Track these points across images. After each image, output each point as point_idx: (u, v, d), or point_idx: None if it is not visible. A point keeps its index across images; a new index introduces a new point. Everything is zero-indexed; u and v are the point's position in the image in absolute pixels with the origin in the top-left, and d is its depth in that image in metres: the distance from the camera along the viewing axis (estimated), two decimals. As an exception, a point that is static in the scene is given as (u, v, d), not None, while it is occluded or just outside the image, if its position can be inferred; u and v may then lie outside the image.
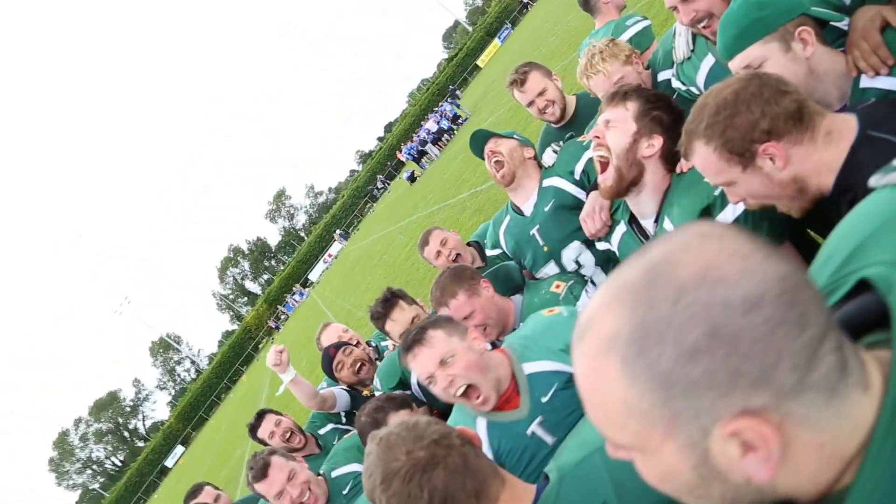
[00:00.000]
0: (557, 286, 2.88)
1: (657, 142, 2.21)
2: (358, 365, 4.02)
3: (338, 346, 4.12)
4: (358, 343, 3.99)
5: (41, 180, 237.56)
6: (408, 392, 3.37)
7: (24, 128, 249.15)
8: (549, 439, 2.06)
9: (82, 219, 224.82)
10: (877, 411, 0.72)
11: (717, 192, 2.03)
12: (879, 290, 0.81)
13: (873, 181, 1.00)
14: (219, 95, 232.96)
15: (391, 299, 3.32)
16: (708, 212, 2.06)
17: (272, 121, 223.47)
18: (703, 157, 1.70)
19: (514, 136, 3.19)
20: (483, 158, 3.23)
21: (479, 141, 3.20)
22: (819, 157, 1.60)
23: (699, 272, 0.70)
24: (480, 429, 2.16)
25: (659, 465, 0.77)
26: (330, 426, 4.27)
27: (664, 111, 2.23)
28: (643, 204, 2.30)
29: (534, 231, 3.13)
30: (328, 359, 4.08)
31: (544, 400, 2.10)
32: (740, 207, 1.97)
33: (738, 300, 0.68)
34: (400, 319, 3.28)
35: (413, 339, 2.16)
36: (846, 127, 1.59)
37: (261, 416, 4.13)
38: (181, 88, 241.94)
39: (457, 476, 1.28)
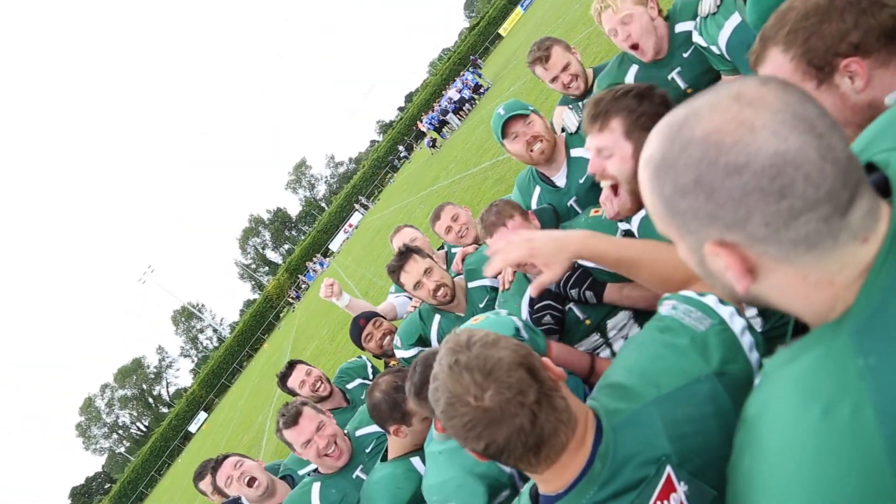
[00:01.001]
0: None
1: None
2: (387, 338, 4.10)
3: (368, 316, 4.18)
4: (422, 251, 3.68)
5: (69, 153, 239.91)
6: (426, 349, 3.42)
7: (50, 99, 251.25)
8: None
9: (105, 188, 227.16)
10: (875, 253, 0.86)
11: None
12: (881, 168, 0.98)
13: (889, 99, 1.09)
14: (239, 66, 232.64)
15: (406, 253, 3.41)
16: None
17: (293, 91, 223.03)
18: (776, 66, 1.54)
19: (531, 110, 3.18)
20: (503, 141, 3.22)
21: (503, 125, 3.21)
22: None
23: (707, 132, 0.86)
24: None
25: (684, 257, 1.00)
26: (358, 381, 4.38)
27: (649, 105, 2.05)
28: None
29: (571, 202, 3.13)
30: (357, 329, 4.14)
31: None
32: None
33: (722, 164, 0.84)
34: (413, 271, 3.34)
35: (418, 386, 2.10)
36: None
37: (291, 365, 4.22)
38: (202, 59, 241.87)
39: (520, 434, 1.22)
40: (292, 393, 4.16)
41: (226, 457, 3.60)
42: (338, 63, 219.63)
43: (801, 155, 0.82)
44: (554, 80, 3.50)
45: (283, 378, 4.19)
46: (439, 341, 3.40)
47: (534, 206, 3.29)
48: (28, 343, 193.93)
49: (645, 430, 1.26)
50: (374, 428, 3.29)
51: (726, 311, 1.36)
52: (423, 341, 3.49)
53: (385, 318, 4.26)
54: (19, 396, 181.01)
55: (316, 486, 3.13)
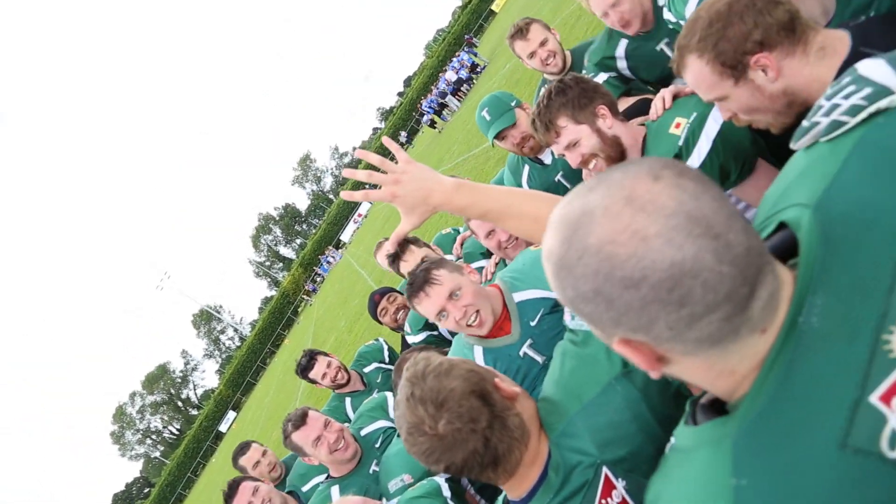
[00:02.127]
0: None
1: (602, 110, 2.40)
2: (400, 312, 4.26)
3: (383, 292, 4.36)
4: (419, 241, 3.98)
5: (79, 168, 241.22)
6: (435, 332, 3.65)
7: (58, 110, 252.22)
8: (539, 358, 2.26)
9: (111, 199, 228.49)
10: (771, 343, 0.86)
11: (680, 143, 2.25)
12: (792, 228, 0.97)
13: (793, 144, 1.12)
14: (234, 66, 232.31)
15: (403, 244, 3.66)
16: (679, 157, 2.24)
17: (291, 86, 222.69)
18: (695, 72, 1.71)
19: (514, 106, 3.31)
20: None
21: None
22: (811, 72, 1.59)
23: (601, 242, 0.83)
24: (477, 355, 2.34)
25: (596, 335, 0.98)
26: (374, 365, 4.55)
27: (571, 90, 2.41)
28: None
29: (559, 177, 3.30)
30: (373, 304, 4.34)
31: (532, 324, 2.30)
32: (704, 151, 2.17)
33: (618, 278, 0.82)
34: (411, 260, 3.62)
35: (422, 280, 2.31)
36: (840, 43, 1.58)
37: (312, 356, 4.35)
38: (200, 61, 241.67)
39: (475, 456, 1.34)
40: (314, 382, 4.33)
41: (238, 483, 3.63)
42: (335, 51, 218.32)
43: (697, 263, 0.80)
44: (532, 55, 3.62)
45: (305, 370, 4.33)
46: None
47: (524, 184, 3.45)
48: (54, 358, 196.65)
49: (577, 440, 1.39)
50: (378, 424, 3.42)
51: None
52: (431, 325, 3.63)
53: (400, 293, 4.41)
54: (52, 409, 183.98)
55: (335, 489, 3.22)
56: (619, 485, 1.33)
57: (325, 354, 4.39)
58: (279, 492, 3.70)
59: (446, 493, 2.34)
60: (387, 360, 4.61)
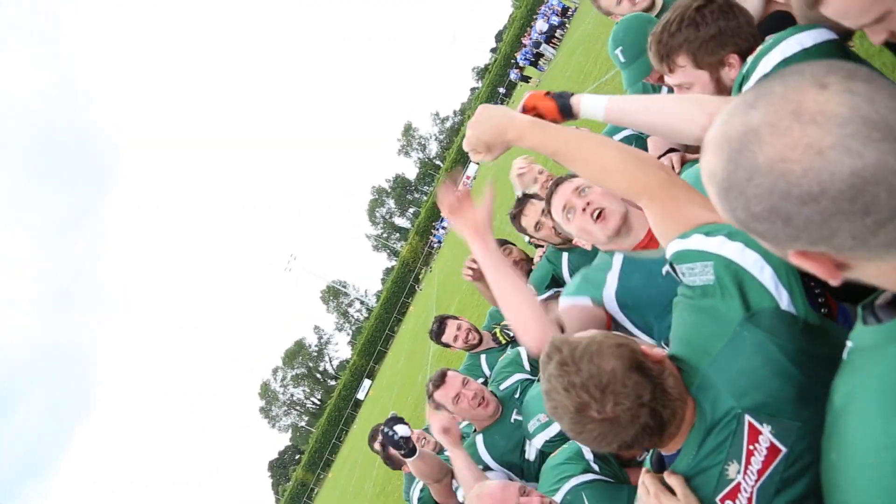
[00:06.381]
0: None
1: (732, 59, 2.06)
2: (519, 265, 4.23)
3: (499, 244, 4.33)
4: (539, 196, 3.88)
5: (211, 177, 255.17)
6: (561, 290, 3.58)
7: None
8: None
9: (242, 193, 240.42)
10: None
11: None
12: None
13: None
14: (324, 54, 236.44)
15: (523, 199, 3.61)
16: None
17: (384, 57, 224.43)
18: None
19: None
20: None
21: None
22: None
23: (772, 160, 0.79)
24: (616, 262, 2.28)
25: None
26: (505, 322, 4.54)
27: (709, 25, 2.05)
28: None
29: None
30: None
31: None
32: None
33: (795, 195, 0.78)
34: (531, 214, 3.52)
35: (554, 183, 2.39)
36: None
37: (442, 321, 4.50)
38: (293, 54, 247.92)
39: (646, 429, 1.34)
40: (447, 346, 4.44)
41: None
42: (419, 16, 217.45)
43: (880, 169, 0.74)
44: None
45: (437, 335, 4.48)
46: (572, 277, 3.51)
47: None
48: (203, 346, 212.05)
49: (711, 393, 1.36)
50: (515, 378, 3.51)
51: (733, 249, 1.39)
52: (557, 282, 3.61)
53: (513, 245, 4.42)
54: (209, 393, 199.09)
55: (479, 438, 3.40)
56: (765, 430, 1.29)
57: (455, 318, 4.53)
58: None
59: (588, 455, 2.34)
60: None
